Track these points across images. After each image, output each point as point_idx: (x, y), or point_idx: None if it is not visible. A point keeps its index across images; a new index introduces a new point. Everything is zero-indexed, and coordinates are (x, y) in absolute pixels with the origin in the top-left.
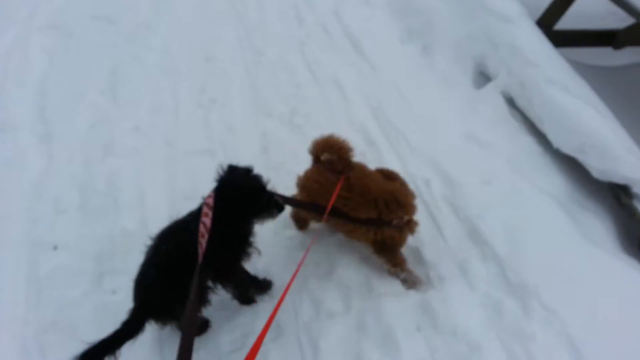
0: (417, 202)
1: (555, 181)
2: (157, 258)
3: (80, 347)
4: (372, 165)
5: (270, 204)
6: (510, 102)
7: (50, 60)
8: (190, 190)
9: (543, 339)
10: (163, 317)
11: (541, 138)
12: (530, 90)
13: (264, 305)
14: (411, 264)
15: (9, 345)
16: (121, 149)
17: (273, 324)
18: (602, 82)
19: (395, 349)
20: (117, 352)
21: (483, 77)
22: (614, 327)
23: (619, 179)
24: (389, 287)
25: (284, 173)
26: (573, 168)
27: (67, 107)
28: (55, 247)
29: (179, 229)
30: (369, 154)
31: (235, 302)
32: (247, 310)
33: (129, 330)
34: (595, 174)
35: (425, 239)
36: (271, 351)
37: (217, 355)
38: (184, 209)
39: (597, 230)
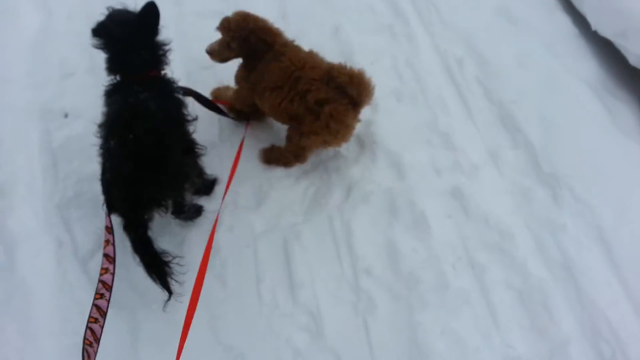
0: (449, 83)
1: (589, 66)
2: (129, 148)
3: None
4: (402, 39)
5: None
6: None
7: None
8: (206, 58)
9: (573, 230)
10: (154, 208)
11: (578, 18)
12: None
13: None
14: (439, 149)
15: (31, 219)
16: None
17: (302, 207)
18: None
19: (426, 234)
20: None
21: None
22: None
23: None
24: (419, 174)
25: (306, 43)
26: (607, 53)
27: None
28: (66, 115)
29: (139, 113)
30: (396, 27)
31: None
32: (278, 197)
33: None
34: (633, 61)
35: (455, 123)
36: (303, 232)
37: (252, 235)
38: (201, 78)
39: (627, 120)
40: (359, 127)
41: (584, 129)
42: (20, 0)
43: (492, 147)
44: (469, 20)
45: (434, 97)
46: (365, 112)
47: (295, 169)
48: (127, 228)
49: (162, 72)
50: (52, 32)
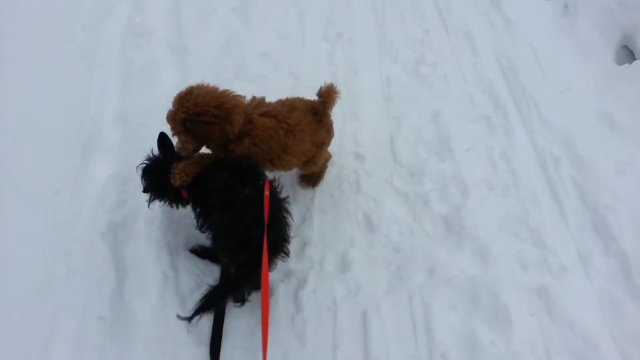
0: (543, 179)
1: None
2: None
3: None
4: (499, 131)
5: None
6: None
7: None
8: None
9: None
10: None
11: None
12: None
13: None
14: (528, 244)
15: (144, 252)
16: (250, 74)
17: (385, 280)
18: None
19: (507, 329)
20: None
21: (627, 52)
22: None
23: None
24: (505, 266)
25: (406, 126)
26: None
27: (200, 20)
28: None
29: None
30: (494, 118)
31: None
32: (362, 267)
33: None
34: None
35: (547, 220)
36: (382, 305)
37: (333, 300)
38: None
39: None
40: (447, 210)
41: None
42: (164, 61)
43: (583, 250)
44: (570, 121)
45: (527, 192)
46: (455, 197)
47: (383, 245)
48: (245, 266)
49: None
50: None
